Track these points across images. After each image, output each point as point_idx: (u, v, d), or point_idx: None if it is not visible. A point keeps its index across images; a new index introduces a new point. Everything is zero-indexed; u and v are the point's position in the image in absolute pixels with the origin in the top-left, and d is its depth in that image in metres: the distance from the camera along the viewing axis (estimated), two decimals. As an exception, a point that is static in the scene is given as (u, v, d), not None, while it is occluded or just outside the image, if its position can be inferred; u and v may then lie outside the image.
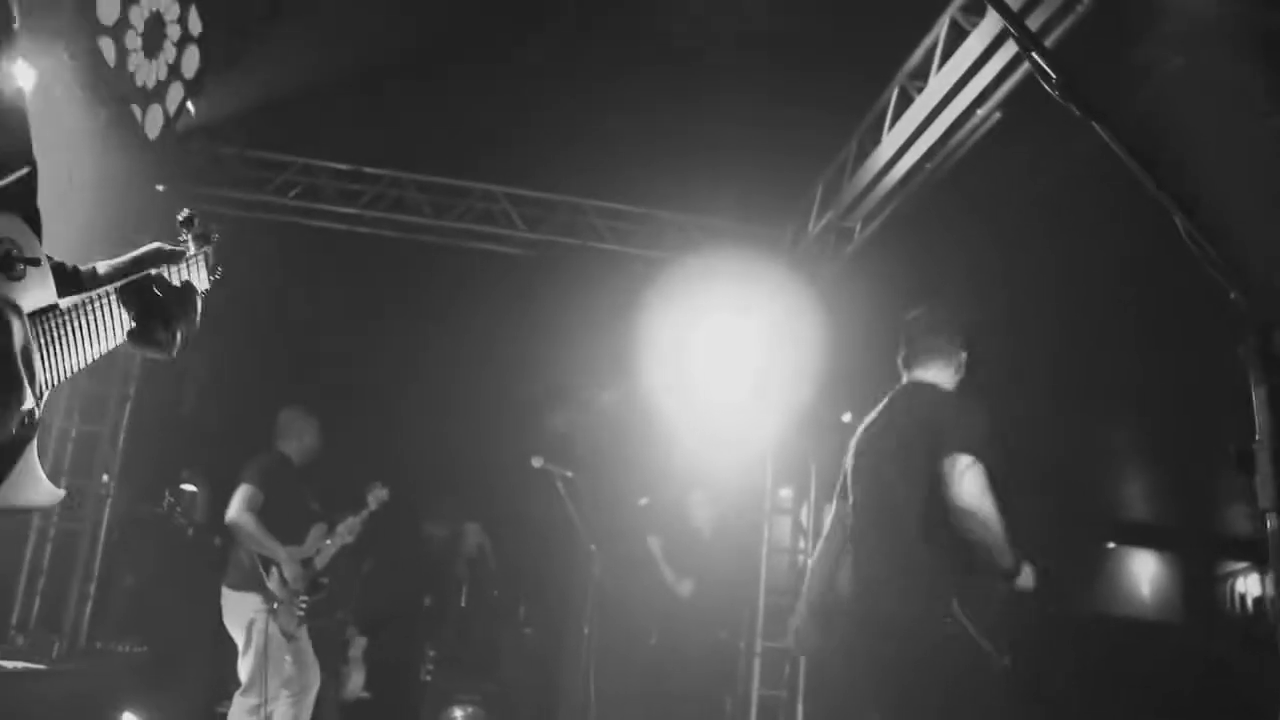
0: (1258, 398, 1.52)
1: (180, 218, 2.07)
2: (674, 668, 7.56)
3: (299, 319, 8.59)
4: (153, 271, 1.93)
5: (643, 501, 6.05)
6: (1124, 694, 10.35)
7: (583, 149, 7.50)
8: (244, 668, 6.05)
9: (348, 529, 6.52)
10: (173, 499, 8.73)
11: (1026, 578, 3.93)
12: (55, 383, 1.74)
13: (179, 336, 1.98)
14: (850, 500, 4.44)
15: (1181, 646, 13.60)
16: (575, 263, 8.34)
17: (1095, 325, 8.82)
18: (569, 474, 6.48)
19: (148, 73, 6.41)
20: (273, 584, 6.08)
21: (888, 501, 4.15)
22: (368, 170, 8.17)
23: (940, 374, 4.42)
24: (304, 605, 6.20)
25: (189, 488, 8.99)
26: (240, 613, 6.11)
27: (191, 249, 2.05)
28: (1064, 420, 10.85)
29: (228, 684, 6.29)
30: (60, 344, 1.74)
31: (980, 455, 3.85)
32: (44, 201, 1.77)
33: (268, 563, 6.12)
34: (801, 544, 8.47)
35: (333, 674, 7.86)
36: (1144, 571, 16.56)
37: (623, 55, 6.51)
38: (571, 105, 7.02)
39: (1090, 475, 14.13)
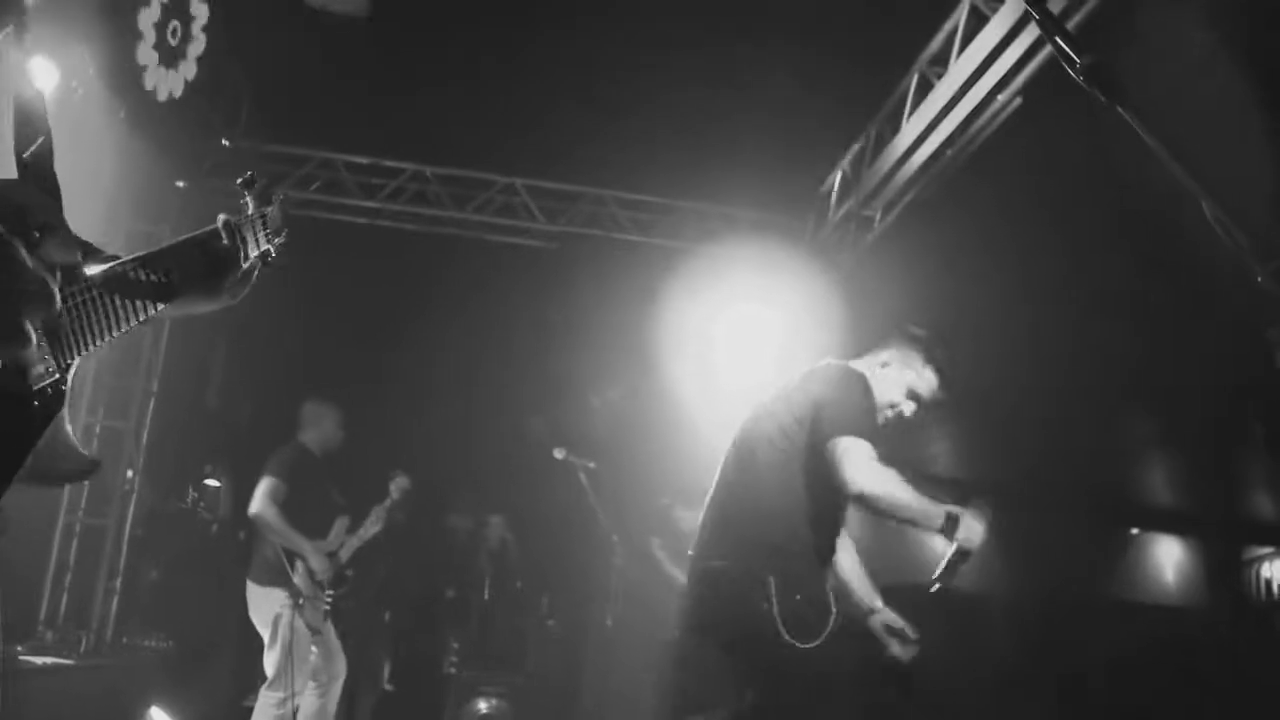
0: (1287, 382, 1.50)
1: (240, 180, 2.07)
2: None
3: (321, 313, 8.61)
4: (191, 235, 1.93)
5: (664, 502, 6.05)
6: (1148, 681, 10.30)
7: (602, 140, 7.49)
8: (269, 662, 6.07)
9: (372, 520, 6.53)
10: (197, 494, 8.78)
11: (969, 532, 3.56)
12: (81, 352, 1.73)
13: (228, 290, 1.99)
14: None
15: (1205, 633, 13.54)
16: (596, 254, 8.34)
17: (1118, 310, 8.76)
18: (591, 465, 6.49)
19: (168, 69, 6.44)
20: (298, 578, 6.10)
21: (745, 467, 3.96)
22: (388, 164, 8.19)
23: (867, 361, 4.21)
24: (329, 599, 6.22)
25: (213, 482, 9.03)
26: (265, 607, 6.13)
27: (250, 209, 2.04)
28: (1087, 407, 10.80)
29: (254, 677, 6.32)
30: (85, 312, 1.74)
31: (859, 432, 3.60)
32: (66, 199, 1.78)
33: (292, 557, 6.14)
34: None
35: (367, 669, 7.90)
36: (1168, 558, 16.48)
37: (641, 46, 6.50)
38: (591, 96, 7.02)
39: (1113, 462, 14.07)
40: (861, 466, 3.50)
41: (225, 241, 1.93)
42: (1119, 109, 1.63)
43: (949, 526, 3.55)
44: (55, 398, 1.68)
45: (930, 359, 4.18)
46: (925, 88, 6.26)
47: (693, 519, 7.79)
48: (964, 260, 8.17)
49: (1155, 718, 9.58)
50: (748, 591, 3.60)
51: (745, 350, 8.04)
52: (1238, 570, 16.22)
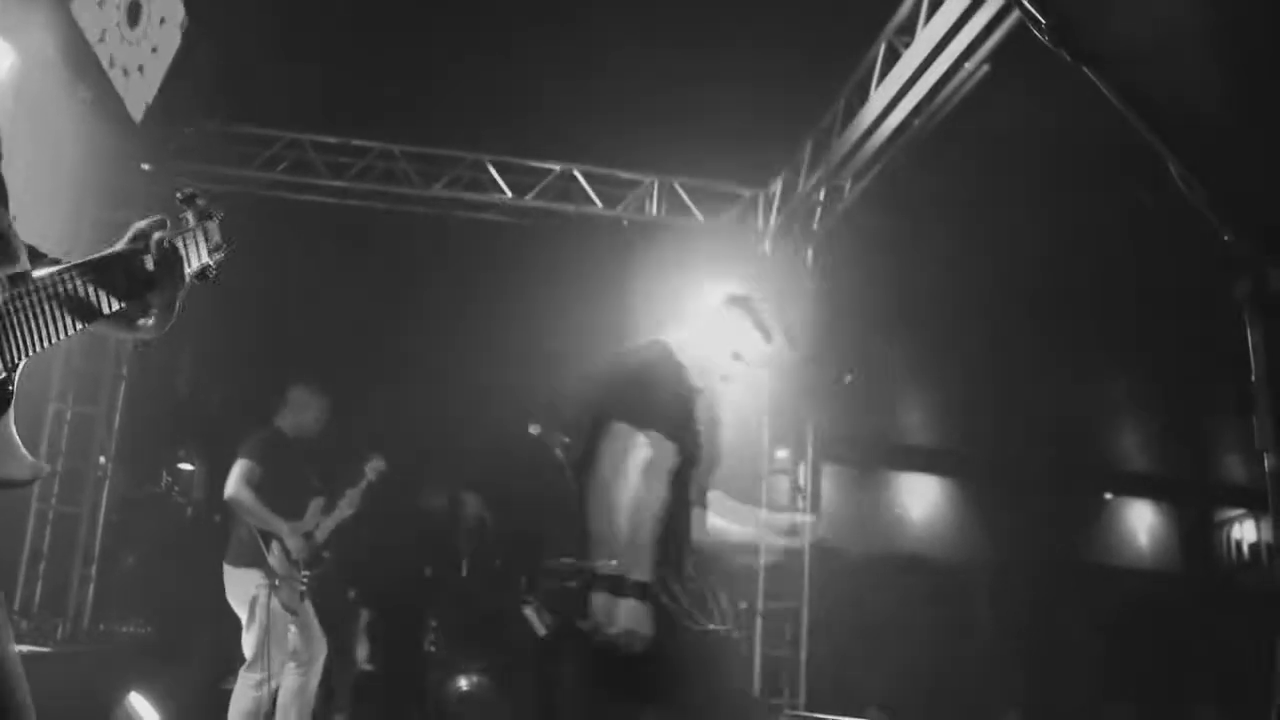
0: (1253, 339, 1.51)
1: (180, 195, 2.04)
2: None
3: (291, 294, 8.56)
4: (125, 247, 1.89)
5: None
6: (1124, 642, 10.43)
7: (569, 114, 7.46)
8: (248, 643, 6.06)
9: (348, 502, 6.52)
10: (171, 478, 8.73)
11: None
12: (24, 355, 1.70)
13: (159, 310, 1.94)
14: None
15: (1178, 595, 13.71)
16: (565, 228, 8.32)
17: (1090, 276, 8.82)
18: (566, 440, 6.47)
19: (130, 49, 6.35)
20: (274, 559, 6.08)
21: None
22: (355, 143, 8.13)
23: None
24: (305, 580, 6.21)
25: (187, 466, 8.98)
26: (242, 589, 6.11)
27: (191, 223, 2.01)
28: (1061, 374, 10.88)
29: (233, 661, 6.30)
30: (28, 315, 1.71)
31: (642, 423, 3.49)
32: (28, 183, 1.75)
33: (268, 538, 6.12)
34: (800, 504, 8.48)
35: (342, 650, 7.89)
36: (1142, 521, 16.65)
37: (606, 17, 6.46)
38: (557, 70, 6.98)
39: (1087, 428, 14.19)
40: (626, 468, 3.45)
41: (152, 262, 1.88)
42: (1085, 69, 1.63)
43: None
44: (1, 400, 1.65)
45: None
46: (893, 56, 6.25)
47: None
48: (933, 229, 8.21)
49: (1131, 677, 9.69)
50: None
51: (714, 323, 8.04)
52: (1209, 532, 16.42)
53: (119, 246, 1.88)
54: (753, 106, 6.98)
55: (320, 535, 6.38)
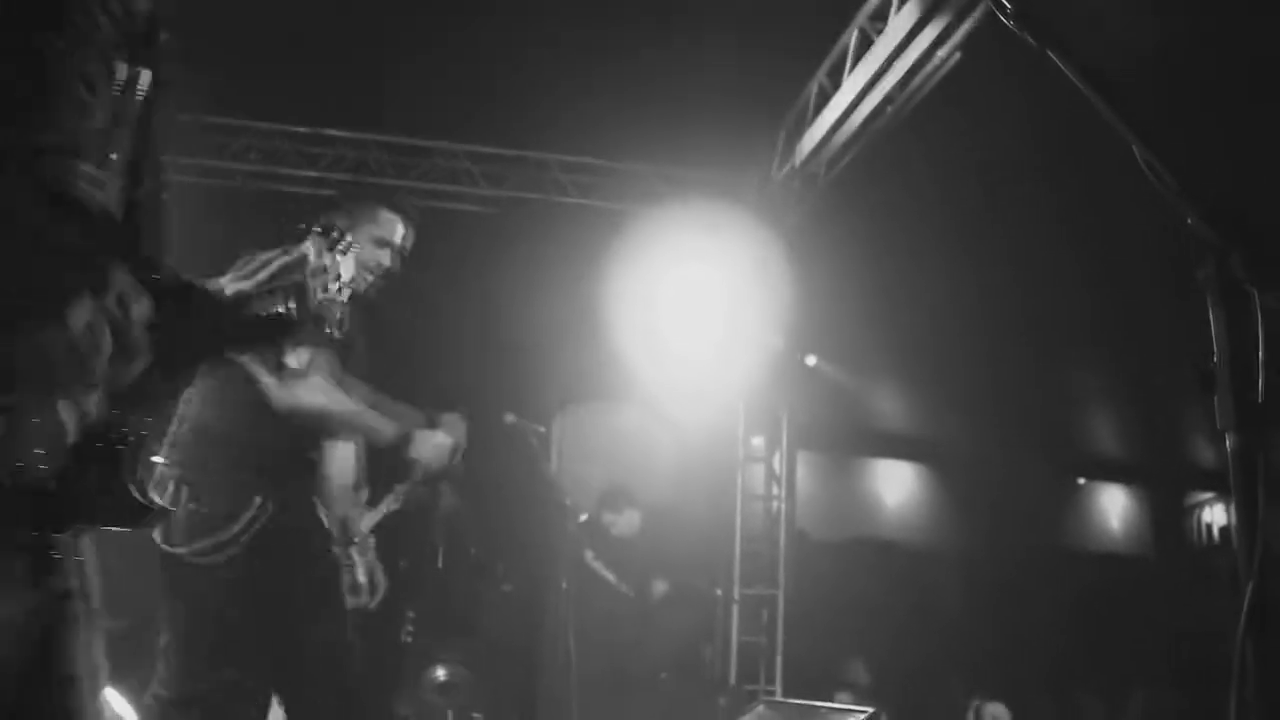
0: (1215, 321, 1.53)
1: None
2: (653, 618, 7.63)
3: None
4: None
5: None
6: (1095, 624, 10.52)
7: (543, 103, 7.44)
8: None
9: (394, 497, 6.44)
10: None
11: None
12: None
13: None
14: None
15: (1149, 579, 13.83)
16: (540, 218, 8.31)
17: (1060, 262, 8.87)
18: (541, 429, 6.46)
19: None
20: None
21: None
22: (327, 132, 8.08)
23: None
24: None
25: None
26: None
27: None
28: (1032, 359, 10.94)
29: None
30: None
31: None
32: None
33: None
34: (775, 490, 8.52)
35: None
36: (1114, 506, 16.78)
37: (578, 4, 6.44)
38: (530, 59, 6.96)
39: (1059, 413, 14.28)
40: None
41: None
42: (1050, 54, 1.64)
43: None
44: None
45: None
46: (866, 43, 6.26)
47: (624, 523, 7.86)
48: (908, 216, 8.23)
49: (1102, 660, 9.78)
50: None
51: (693, 311, 8.07)
52: (1180, 516, 16.56)
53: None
54: (727, 93, 6.98)
55: (365, 528, 6.32)
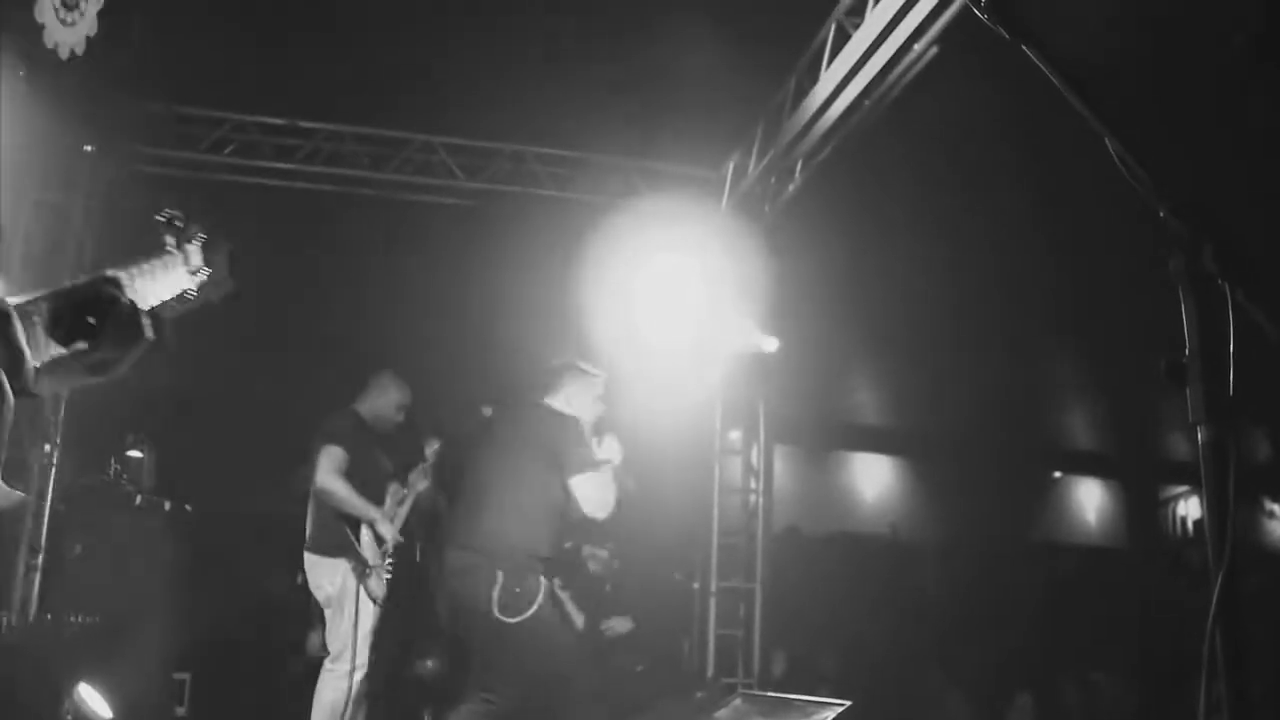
0: (1186, 314, 1.54)
1: (161, 218, 1.99)
2: (631, 611, 7.63)
3: (238, 278, 8.45)
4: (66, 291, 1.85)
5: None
6: (1072, 617, 10.57)
7: (520, 95, 7.42)
8: (335, 634, 5.92)
9: (417, 478, 6.42)
10: (119, 466, 8.60)
11: None
12: None
13: (111, 358, 1.91)
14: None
15: (1124, 573, 13.92)
16: (516, 211, 8.29)
17: (1034, 256, 8.91)
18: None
19: (70, 30, 6.24)
20: (364, 548, 5.96)
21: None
22: (303, 124, 8.04)
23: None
24: (390, 568, 6.11)
25: (135, 453, 8.86)
26: (328, 577, 5.99)
27: (171, 247, 1.98)
28: (1007, 353, 10.99)
29: (183, 650, 6.22)
30: None
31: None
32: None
33: (355, 525, 6.01)
34: (753, 484, 8.54)
35: (295, 640, 7.84)
36: (1090, 500, 16.89)
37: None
38: (506, 51, 6.94)
39: (1036, 407, 14.36)
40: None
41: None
42: (1023, 46, 1.65)
43: None
44: None
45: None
46: (843, 38, 6.26)
47: (602, 558, 7.81)
48: (885, 209, 8.25)
49: (1079, 653, 9.84)
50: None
51: (669, 305, 8.05)
52: (1155, 510, 16.69)
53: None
54: (704, 87, 6.98)
55: (398, 522, 6.28)
